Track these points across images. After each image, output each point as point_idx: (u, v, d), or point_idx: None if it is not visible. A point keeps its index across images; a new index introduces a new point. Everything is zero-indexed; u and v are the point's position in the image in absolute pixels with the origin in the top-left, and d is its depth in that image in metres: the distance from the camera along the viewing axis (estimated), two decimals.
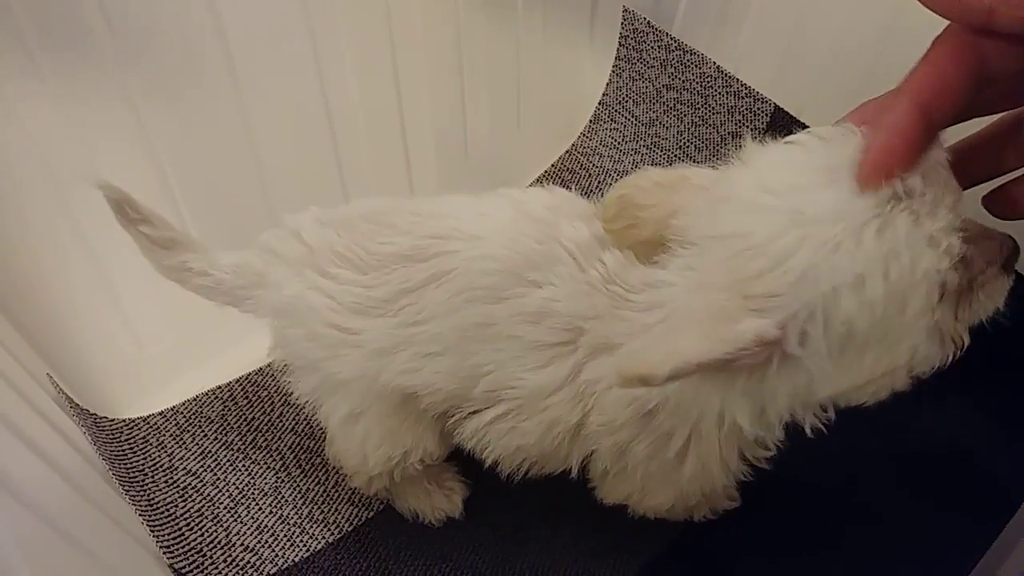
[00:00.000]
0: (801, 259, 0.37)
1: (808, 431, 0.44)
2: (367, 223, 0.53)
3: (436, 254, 0.50)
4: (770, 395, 0.41)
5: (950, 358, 0.42)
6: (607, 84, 0.90)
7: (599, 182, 0.90)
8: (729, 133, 0.80)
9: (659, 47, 0.83)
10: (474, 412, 0.53)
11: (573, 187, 0.90)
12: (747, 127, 0.79)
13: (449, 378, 0.51)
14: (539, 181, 0.92)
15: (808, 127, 0.41)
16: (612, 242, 0.48)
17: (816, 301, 0.37)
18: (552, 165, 0.93)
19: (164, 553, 0.59)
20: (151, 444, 0.68)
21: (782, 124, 0.76)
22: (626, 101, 0.89)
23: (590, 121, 0.92)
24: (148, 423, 0.70)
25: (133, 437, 0.68)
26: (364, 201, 0.57)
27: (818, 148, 0.39)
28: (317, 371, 0.55)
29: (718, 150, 0.82)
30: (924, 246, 0.37)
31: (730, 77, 0.78)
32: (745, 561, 0.63)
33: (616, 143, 0.90)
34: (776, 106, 0.76)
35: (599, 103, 0.91)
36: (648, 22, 0.83)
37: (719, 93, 0.80)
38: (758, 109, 0.77)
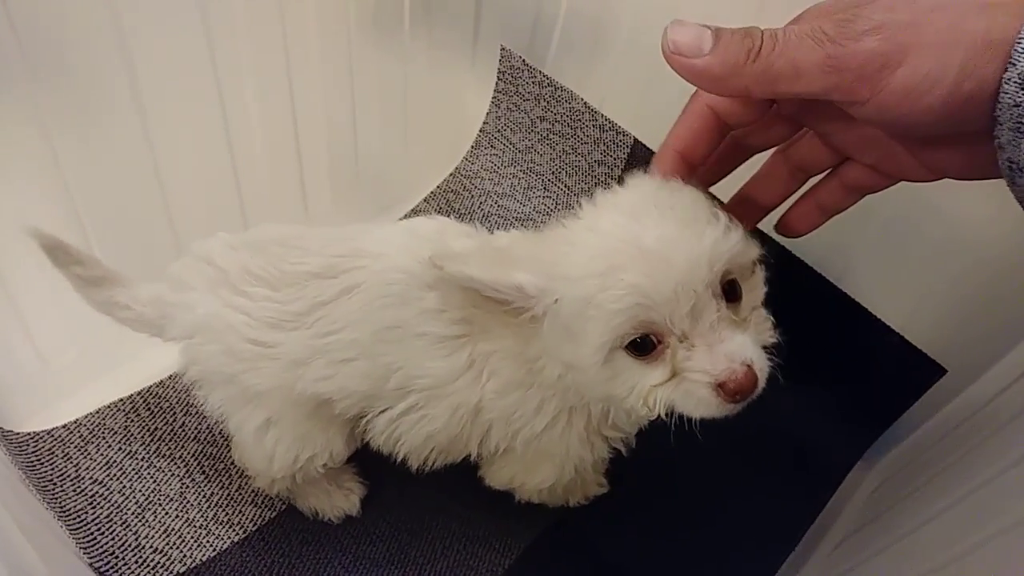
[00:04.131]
0: (581, 255, 0.46)
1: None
2: (278, 246, 0.58)
3: (346, 270, 0.56)
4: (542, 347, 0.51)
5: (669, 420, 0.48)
6: (487, 113, 0.98)
7: (480, 203, 0.98)
8: (596, 161, 0.90)
9: (533, 82, 0.92)
10: (385, 410, 0.58)
11: (457, 206, 0.99)
12: (610, 156, 0.89)
13: (363, 380, 0.56)
14: (425, 201, 0.99)
15: None
16: None
17: (564, 286, 0.46)
18: (437, 186, 1.00)
19: (84, 553, 0.63)
20: (56, 455, 0.71)
21: (640, 155, 0.86)
22: (504, 129, 0.97)
23: (472, 146, 1.00)
24: (52, 436, 0.73)
25: (39, 449, 0.71)
26: (270, 226, 0.61)
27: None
28: (233, 384, 0.58)
29: (586, 176, 0.92)
30: (621, 294, 0.44)
31: (595, 112, 0.88)
32: (614, 541, 0.73)
33: (495, 167, 0.98)
34: (635, 139, 0.87)
35: (480, 130, 0.99)
36: (523, 60, 0.92)
37: (586, 126, 0.90)
38: (620, 141, 0.88)
